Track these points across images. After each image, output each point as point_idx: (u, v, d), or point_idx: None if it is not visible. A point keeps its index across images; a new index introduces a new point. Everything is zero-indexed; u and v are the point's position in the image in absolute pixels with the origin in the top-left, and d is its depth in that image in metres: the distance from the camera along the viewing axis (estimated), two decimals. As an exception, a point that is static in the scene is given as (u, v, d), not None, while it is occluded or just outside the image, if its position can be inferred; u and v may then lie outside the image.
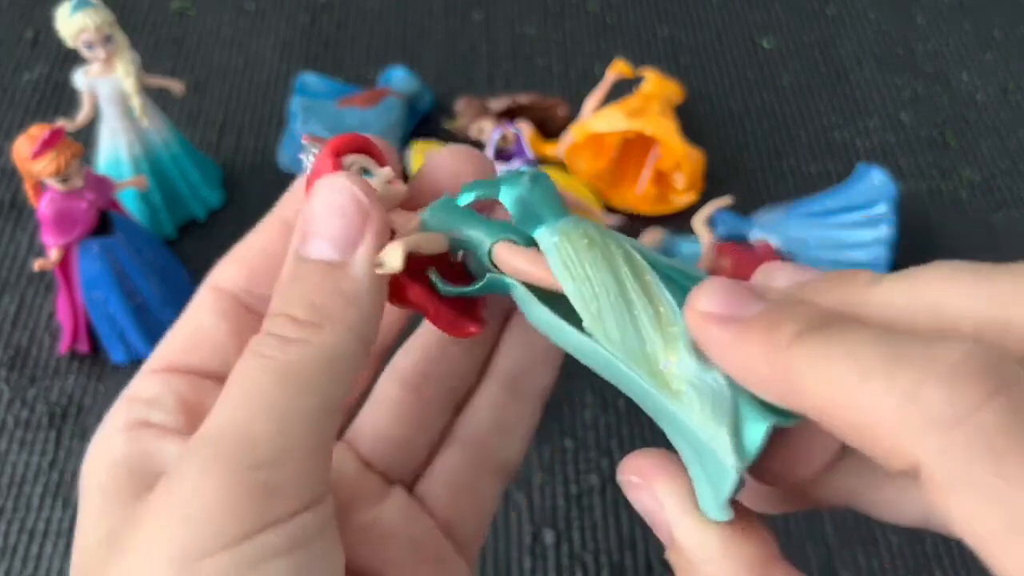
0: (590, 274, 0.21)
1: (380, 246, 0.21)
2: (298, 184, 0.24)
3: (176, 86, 0.62)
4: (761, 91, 0.76)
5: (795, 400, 0.17)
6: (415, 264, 0.22)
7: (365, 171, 0.22)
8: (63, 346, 0.57)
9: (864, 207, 0.60)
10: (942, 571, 0.51)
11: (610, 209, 0.66)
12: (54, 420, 0.55)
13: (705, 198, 0.64)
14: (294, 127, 0.67)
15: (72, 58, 0.59)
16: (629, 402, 0.25)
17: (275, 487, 0.19)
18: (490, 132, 0.66)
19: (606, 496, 0.54)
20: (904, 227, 0.61)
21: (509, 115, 0.69)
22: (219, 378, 0.22)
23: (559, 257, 0.21)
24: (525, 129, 0.66)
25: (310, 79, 0.70)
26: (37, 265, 0.54)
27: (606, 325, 0.21)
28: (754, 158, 0.71)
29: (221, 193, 0.66)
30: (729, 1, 0.84)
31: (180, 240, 0.64)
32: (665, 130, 0.64)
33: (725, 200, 0.62)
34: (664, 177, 0.67)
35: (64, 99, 0.72)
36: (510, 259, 0.22)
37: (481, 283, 0.22)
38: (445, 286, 0.23)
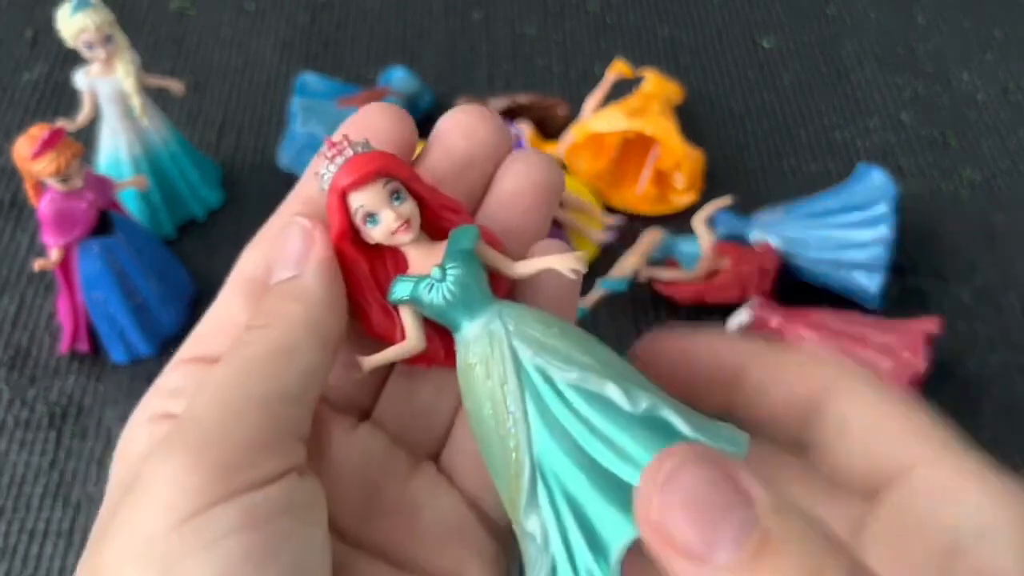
0: (473, 399, 0.23)
1: (325, 260, 0.23)
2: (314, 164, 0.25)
3: (176, 86, 0.62)
4: (761, 91, 0.76)
5: None
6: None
7: (371, 217, 0.24)
8: (63, 346, 0.57)
9: (864, 207, 0.60)
10: None
11: (610, 209, 0.66)
12: (54, 420, 0.55)
13: (705, 198, 0.64)
14: (294, 127, 0.67)
15: (72, 58, 0.59)
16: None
17: (224, 465, 0.20)
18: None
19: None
20: (904, 227, 0.61)
21: (509, 115, 0.69)
22: None
23: (459, 366, 0.23)
24: (525, 129, 0.66)
25: (310, 79, 0.70)
26: (37, 265, 0.54)
27: (482, 448, 0.23)
28: (754, 158, 0.71)
29: (221, 193, 0.66)
30: (729, 1, 0.84)
31: (180, 240, 0.64)
32: (665, 130, 0.64)
33: (725, 200, 0.62)
34: (664, 177, 0.67)
35: (64, 99, 0.72)
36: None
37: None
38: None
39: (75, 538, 0.51)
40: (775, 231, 0.60)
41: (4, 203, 0.66)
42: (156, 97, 0.63)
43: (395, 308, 0.25)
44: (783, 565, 0.15)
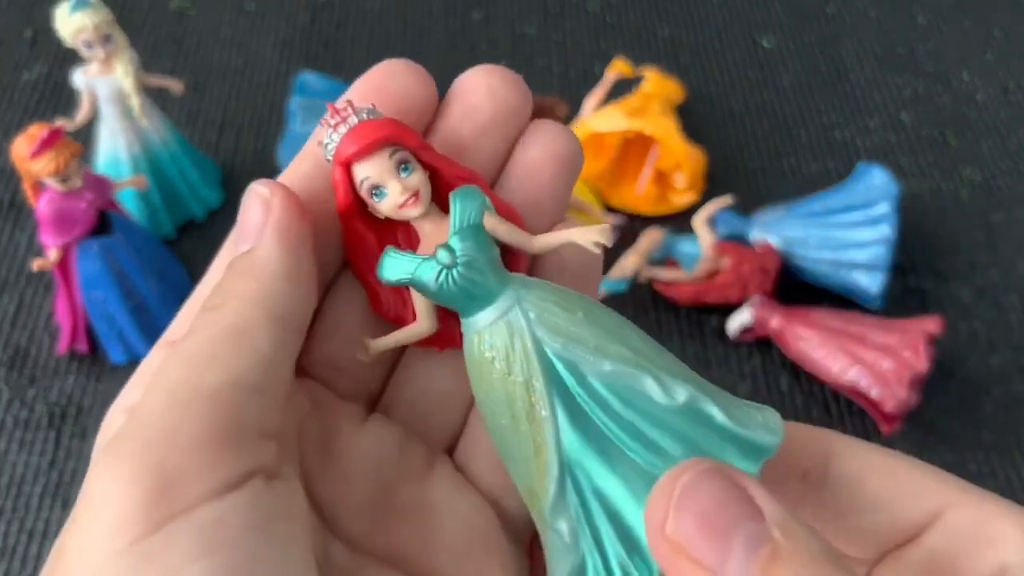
0: (487, 391, 0.21)
1: (284, 229, 0.21)
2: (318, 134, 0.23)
3: (175, 86, 0.62)
4: (761, 91, 0.76)
5: None
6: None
7: (377, 190, 0.22)
8: (62, 346, 0.57)
9: (865, 206, 0.60)
10: None
11: (610, 209, 0.66)
12: (53, 420, 0.55)
13: (705, 198, 0.64)
14: (293, 127, 0.66)
15: (71, 57, 0.59)
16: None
17: (172, 471, 0.17)
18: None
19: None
20: (904, 227, 0.61)
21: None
22: None
23: (468, 356, 0.22)
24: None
25: (309, 78, 0.70)
26: (36, 265, 0.54)
27: (496, 439, 0.21)
28: (754, 158, 0.71)
29: (220, 193, 0.66)
30: (729, 0, 0.84)
31: (179, 240, 0.64)
32: (665, 130, 0.64)
33: (726, 200, 0.62)
34: (664, 177, 0.67)
35: (63, 99, 0.72)
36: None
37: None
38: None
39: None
40: (776, 231, 0.60)
41: (3, 203, 0.66)
42: (156, 97, 0.62)
43: (407, 287, 0.23)
44: None
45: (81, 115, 0.59)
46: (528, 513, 0.23)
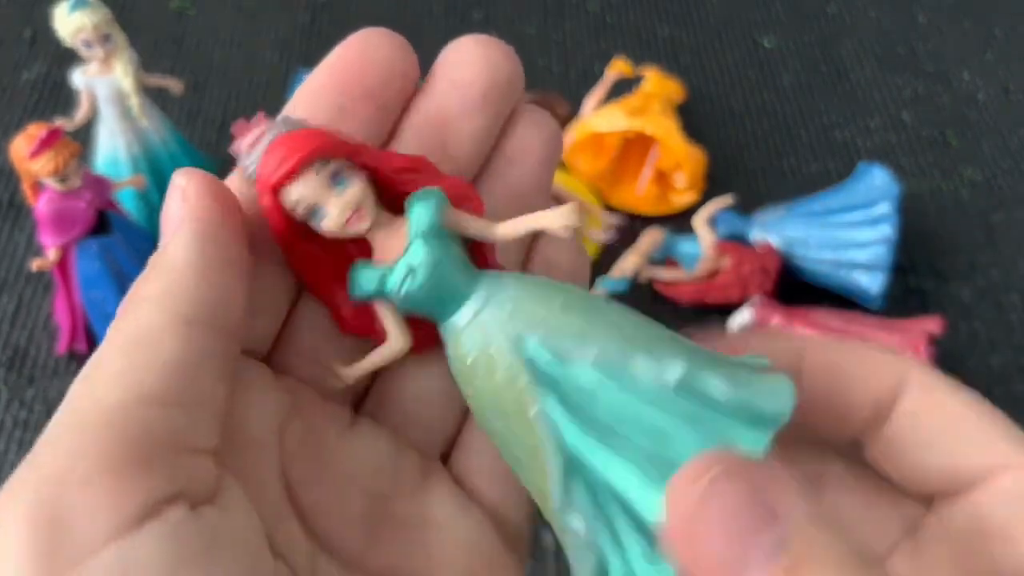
0: (475, 396, 0.20)
1: (197, 218, 0.19)
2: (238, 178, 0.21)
3: (175, 85, 0.62)
4: (762, 90, 0.76)
5: None
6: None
7: (314, 211, 0.20)
8: (61, 346, 0.57)
9: (865, 206, 0.60)
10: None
11: (610, 209, 0.66)
12: (52, 420, 0.55)
13: (706, 198, 0.64)
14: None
15: (70, 57, 0.59)
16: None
17: (65, 508, 0.15)
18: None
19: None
20: (905, 227, 0.61)
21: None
22: None
23: (451, 361, 0.20)
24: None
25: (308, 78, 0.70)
26: (35, 265, 0.54)
27: (497, 444, 0.20)
28: (755, 158, 0.71)
29: (220, 193, 0.66)
30: (729, 0, 0.84)
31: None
32: (665, 129, 0.64)
33: (726, 200, 0.61)
34: (664, 177, 0.67)
35: (62, 98, 0.72)
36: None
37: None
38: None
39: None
40: (776, 231, 0.60)
41: (2, 203, 0.66)
42: (155, 96, 0.62)
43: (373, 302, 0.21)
44: None
45: (80, 115, 0.59)
46: (527, 525, 0.22)
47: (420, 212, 0.20)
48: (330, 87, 0.21)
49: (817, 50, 0.80)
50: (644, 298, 0.61)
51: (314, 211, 0.20)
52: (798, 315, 0.57)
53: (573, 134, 0.65)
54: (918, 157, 0.71)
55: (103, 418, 0.16)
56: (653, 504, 0.18)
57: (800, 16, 0.83)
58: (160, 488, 0.16)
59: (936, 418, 0.20)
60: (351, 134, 0.21)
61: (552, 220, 0.20)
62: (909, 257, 0.64)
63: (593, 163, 0.67)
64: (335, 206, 0.20)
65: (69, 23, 0.55)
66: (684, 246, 0.61)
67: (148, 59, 0.63)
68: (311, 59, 0.77)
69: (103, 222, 0.54)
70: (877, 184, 0.60)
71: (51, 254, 0.53)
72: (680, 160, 0.64)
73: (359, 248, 0.21)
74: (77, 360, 0.58)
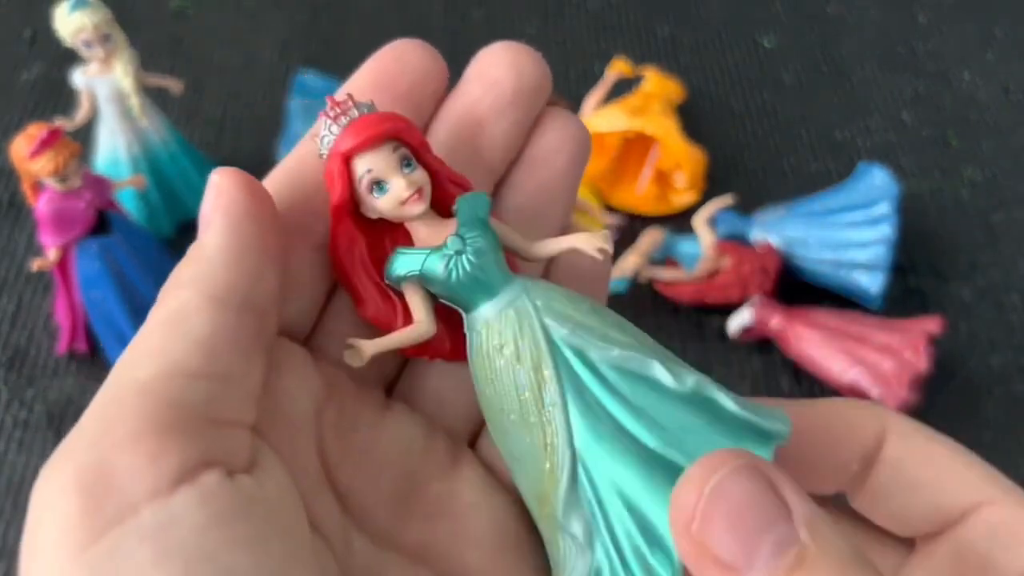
0: (493, 385, 0.21)
1: (228, 208, 0.20)
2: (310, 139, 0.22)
3: (175, 85, 0.62)
4: (762, 90, 0.76)
5: None
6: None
7: (378, 185, 0.21)
8: (61, 346, 0.57)
9: (866, 206, 0.60)
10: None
11: (610, 209, 0.66)
12: (53, 421, 0.55)
13: (706, 198, 0.64)
14: (293, 126, 0.66)
15: (70, 57, 0.59)
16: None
17: (107, 467, 0.16)
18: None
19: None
20: (905, 227, 0.61)
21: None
22: None
23: (474, 350, 0.21)
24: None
25: (308, 78, 0.70)
26: (35, 265, 0.54)
27: (501, 440, 0.21)
28: (755, 157, 0.71)
29: (220, 193, 0.66)
30: (729, 0, 0.84)
31: (178, 240, 0.64)
32: (666, 129, 0.64)
33: (726, 199, 0.61)
34: (664, 177, 0.67)
35: (62, 98, 0.72)
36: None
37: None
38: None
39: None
40: (776, 231, 0.60)
41: (2, 203, 0.66)
42: (155, 96, 0.62)
43: (395, 293, 0.22)
44: None
45: (80, 115, 0.59)
46: None
47: (471, 206, 0.21)
48: (367, 89, 0.22)
49: (817, 50, 0.80)
50: (644, 298, 0.61)
51: (379, 184, 0.21)
52: (798, 315, 0.57)
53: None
54: (918, 157, 0.71)
55: (139, 388, 0.17)
56: (657, 508, 0.19)
57: (800, 16, 0.83)
58: (195, 453, 0.17)
59: (918, 462, 0.21)
60: None
61: (587, 244, 0.22)
62: (909, 257, 0.64)
63: (593, 163, 0.67)
64: (400, 183, 0.21)
65: (69, 23, 0.55)
66: (684, 246, 0.61)
67: (148, 59, 0.63)
68: (311, 59, 0.77)
69: (103, 222, 0.54)
70: (877, 184, 0.60)
71: (51, 254, 0.53)
72: (680, 160, 0.64)
73: (394, 242, 0.22)
74: (77, 360, 0.58)
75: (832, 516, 0.23)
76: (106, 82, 0.58)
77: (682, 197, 0.66)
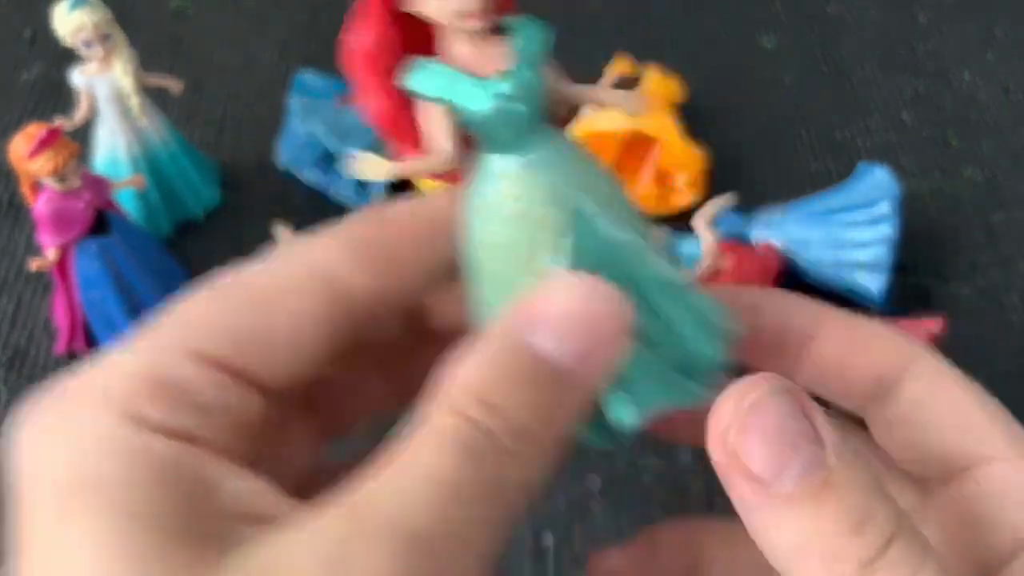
0: (496, 232, 0.20)
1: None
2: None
3: (174, 85, 0.62)
4: (762, 90, 0.76)
5: None
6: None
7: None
8: (60, 346, 0.57)
9: (866, 206, 0.60)
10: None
11: (610, 209, 0.66)
12: (52, 421, 0.55)
13: (706, 198, 0.64)
14: (293, 126, 0.66)
15: (70, 57, 0.59)
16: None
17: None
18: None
19: (607, 498, 0.53)
20: (905, 227, 0.60)
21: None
22: None
23: (479, 196, 0.20)
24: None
25: (308, 78, 0.70)
26: (34, 265, 0.54)
27: (486, 281, 0.21)
28: (755, 158, 0.71)
29: (219, 192, 0.66)
30: (729, 0, 0.84)
31: (178, 240, 0.64)
32: (666, 129, 0.64)
33: (727, 199, 0.61)
34: (665, 177, 0.67)
35: (62, 98, 0.72)
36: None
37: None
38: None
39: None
40: (777, 231, 0.60)
41: (2, 203, 0.66)
42: (154, 96, 0.62)
43: (409, 105, 0.20)
44: (839, 504, 0.17)
45: (79, 114, 0.59)
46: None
47: (531, 41, 0.19)
48: None
49: (817, 50, 0.80)
50: (644, 298, 0.61)
51: None
52: (798, 315, 0.57)
53: (573, 134, 0.65)
54: (918, 157, 0.71)
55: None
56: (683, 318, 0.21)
57: (800, 16, 0.83)
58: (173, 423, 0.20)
59: (939, 404, 0.22)
60: None
61: (623, 101, 0.22)
62: (910, 257, 0.64)
63: (593, 163, 0.66)
64: None
65: (69, 22, 0.55)
66: (684, 246, 0.61)
67: (148, 59, 0.62)
68: (311, 59, 0.77)
69: (102, 222, 0.54)
70: (878, 183, 0.60)
71: (50, 254, 0.53)
72: (680, 160, 0.64)
73: (421, 47, 0.20)
74: (76, 360, 0.58)
75: (859, 447, 0.23)
76: (105, 82, 0.58)
77: (682, 197, 0.66)
